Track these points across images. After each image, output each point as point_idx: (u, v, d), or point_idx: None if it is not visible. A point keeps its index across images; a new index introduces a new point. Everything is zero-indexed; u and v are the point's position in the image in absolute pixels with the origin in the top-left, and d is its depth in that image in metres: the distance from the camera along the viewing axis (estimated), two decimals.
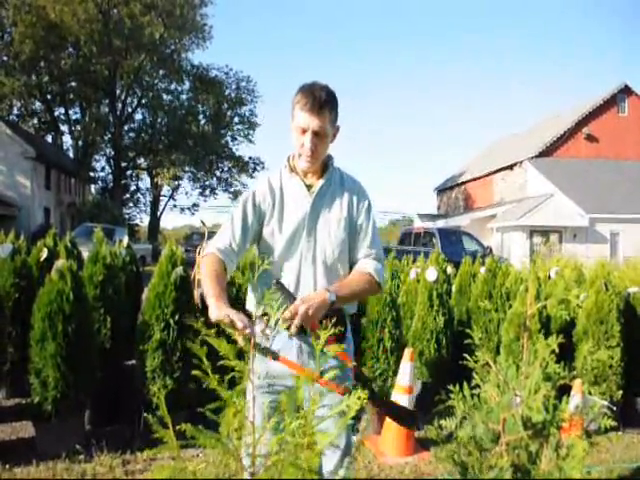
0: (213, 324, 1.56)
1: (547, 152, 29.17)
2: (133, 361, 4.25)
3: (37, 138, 33.97)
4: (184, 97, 40.11)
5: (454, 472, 1.39)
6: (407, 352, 3.94)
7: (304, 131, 1.93)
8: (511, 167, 30.83)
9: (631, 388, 4.58)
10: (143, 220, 44.42)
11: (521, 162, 29.65)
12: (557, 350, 1.35)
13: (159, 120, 39.43)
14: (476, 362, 1.48)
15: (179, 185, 43.98)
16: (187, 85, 40.02)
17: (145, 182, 44.47)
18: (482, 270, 5.70)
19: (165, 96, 39.74)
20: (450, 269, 6.73)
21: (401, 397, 3.85)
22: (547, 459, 1.29)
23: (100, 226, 6.05)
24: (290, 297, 1.79)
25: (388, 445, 3.86)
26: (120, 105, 37.62)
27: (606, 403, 4.23)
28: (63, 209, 31.37)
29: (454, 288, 5.94)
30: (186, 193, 56.08)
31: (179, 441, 1.13)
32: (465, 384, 1.45)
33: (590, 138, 29.74)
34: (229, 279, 2.60)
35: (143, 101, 39.29)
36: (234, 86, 40.23)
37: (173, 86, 39.89)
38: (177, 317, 3.75)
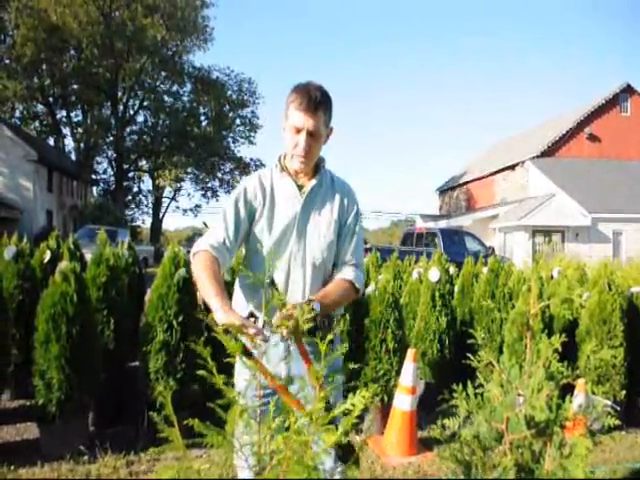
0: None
1: (549, 152, 29.13)
2: (136, 362, 4.26)
3: (39, 141, 34.03)
4: (186, 99, 40.23)
5: (457, 471, 1.40)
6: (410, 352, 3.94)
7: (298, 131, 1.90)
8: (513, 167, 30.80)
9: (634, 388, 4.57)
10: (145, 222, 44.56)
11: (523, 162, 29.62)
12: (560, 349, 1.35)
13: (161, 122, 39.51)
14: (479, 362, 1.48)
15: (181, 187, 44.08)
16: (189, 87, 40.13)
17: (147, 184, 44.63)
18: (484, 270, 5.70)
19: (167, 98, 39.85)
20: (452, 269, 6.73)
21: (404, 397, 3.86)
22: (550, 458, 1.30)
23: (103, 228, 6.06)
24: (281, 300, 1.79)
25: (391, 445, 3.86)
26: (122, 107, 37.71)
27: (609, 403, 4.22)
28: (65, 211, 31.42)
29: (456, 288, 5.94)
30: (188, 195, 56.21)
31: (184, 441, 1.14)
32: (469, 383, 1.46)
33: (592, 138, 29.70)
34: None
35: (145, 103, 39.38)
36: (235, 88, 40.31)
37: (175, 88, 40.04)
38: (180, 318, 3.76)
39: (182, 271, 3.88)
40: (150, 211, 43.42)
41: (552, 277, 6.44)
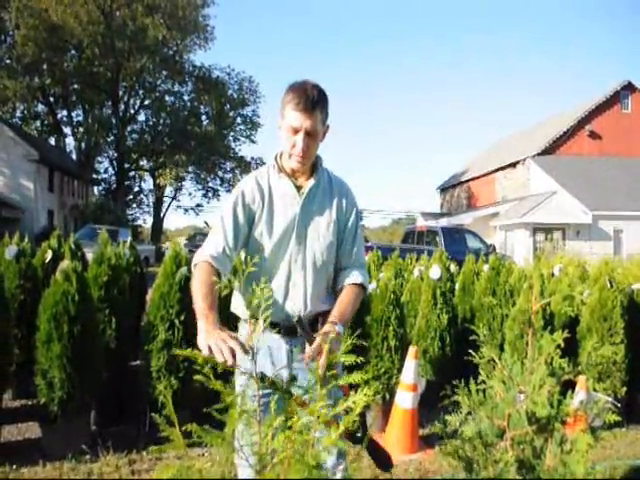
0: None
1: (550, 150, 29.11)
2: (138, 361, 4.27)
3: (40, 140, 34.07)
4: (187, 98, 40.23)
5: (459, 468, 1.40)
6: (411, 350, 3.94)
7: (296, 131, 1.87)
8: (514, 165, 30.79)
9: (635, 384, 4.57)
10: (146, 221, 44.58)
11: (524, 160, 29.60)
12: (562, 345, 1.36)
13: (162, 121, 39.51)
14: (481, 358, 1.48)
15: (182, 186, 44.09)
16: (189, 86, 40.09)
17: (148, 183, 44.62)
18: (485, 268, 5.70)
19: (168, 97, 39.86)
20: (453, 267, 6.73)
21: (406, 395, 3.86)
22: (551, 454, 1.30)
23: (104, 227, 6.06)
24: (308, 334, 1.80)
25: (392, 443, 3.86)
26: (123, 107, 37.72)
27: (610, 399, 4.22)
28: (66, 211, 31.44)
29: (458, 286, 5.94)
30: (189, 194, 56.18)
31: (185, 440, 1.14)
32: (471, 380, 1.46)
33: (593, 135, 29.67)
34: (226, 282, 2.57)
35: (146, 102, 39.40)
36: (236, 87, 40.29)
37: (176, 87, 40.00)
38: (182, 317, 3.76)
39: (184, 270, 3.89)
40: (151, 210, 43.48)
41: (553, 275, 6.44)
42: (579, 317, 4.85)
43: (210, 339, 1.46)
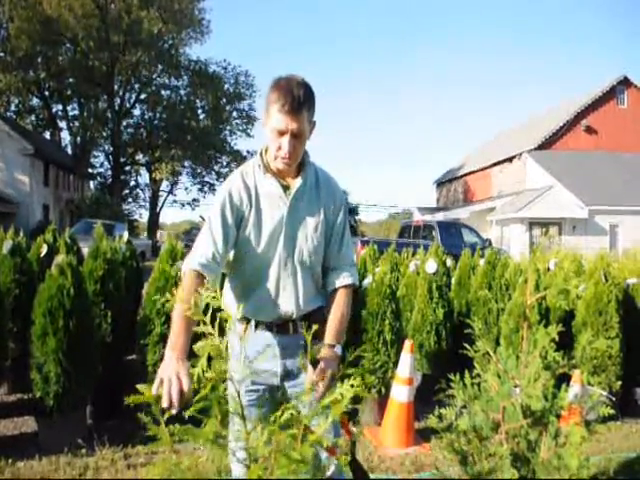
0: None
1: (546, 144, 29.13)
2: (134, 356, 4.26)
3: (35, 135, 33.88)
4: (182, 92, 40.03)
5: (454, 461, 1.40)
6: (407, 344, 3.95)
7: (282, 133, 1.80)
8: (510, 160, 30.81)
9: (630, 378, 4.60)
10: (142, 216, 44.44)
11: (520, 154, 29.63)
12: (557, 339, 1.36)
13: (157, 115, 39.37)
14: (476, 352, 1.49)
15: (178, 180, 43.95)
16: (185, 80, 39.92)
17: (144, 177, 44.46)
18: (481, 262, 5.72)
19: (163, 91, 39.71)
20: (449, 261, 6.74)
21: (401, 388, 3.87)
22: (546, 447, 1.31)
23: (100, 222, 6.04)
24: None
25: (388, 436, 3.87)
26: (118, 101, 37.52)
27: (605, 393, 4.24)
28: (62, 205, 31.34)
29: (453, 280, 5.95)
30: (186, 189, 56.04)
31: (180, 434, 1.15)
32: (466, 373, 1.46)
33: (589, 130, 29.70)
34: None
35: (141, 96, 39.22)
36: (232, 81, 40.14)
37: (172, 81, 39.84)
38: None
39: (180, 264, 3.88)
40: (147, 205, 43.38)
41: (549, 269, 6.45)
42: (574, 311, 4.86)
43: (165, 372, 1.47)
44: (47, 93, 36.21)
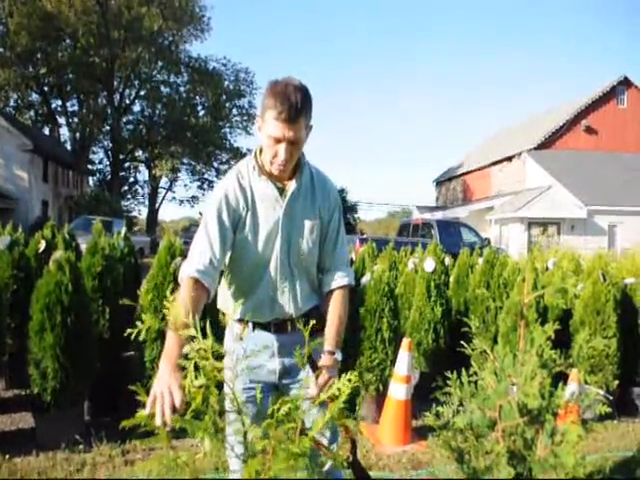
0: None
1: (546, 144, 29.13)
2: (132, 352, 4.26)
3: (34, 130, 33.79)
4: (182, 89, 39.98)
5: (451, 459, 1.41)
6: (405, 342, 3.95)
7: (278, 141, 1.76)
8: (510, 159, 30.82)
9: (626, 377, 4.61)
10: (141, 212, 44.42)
11: (520, 154, 29.63)
12: (554, 338, 1.36)
13: (157, 112, 39.34)
14: (473, 350, 1.49)
15: (177, 177, 43.94)
16: (185, 77, 39.89)
17: (143, 174, 44.47)
18: (480, 261, 5.72)
19: (163, 88, 39.67)
20: (448, 260, 6.74)
21: (399, 386, 3.88)
22: (542, 445, 1.31)
23: (98, 218, 6.04)
24: (314, 366, 1.81)
25: (386, 434, 3.88)
26: (118, 97, 37.50)
27: (602, 392, 4.25)
28: (61, 202, 31.28)
29: (452, 279, 5.96)
30: (185, 185, 55.99)
31: (178, 430, 1.15)
32: (463, 372, 1.46)
33: (589, 130, 29.70)
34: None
35: (141, 93, 39.21)
36: (232, 77, 40.12)
37: (171, 78, 39.79)
38: None
39: (178, 260, 3.88)
40: (146, 201, 43.35)
41: (547, 268, 6.46)
42: (572, 310, 4.87)
43: (158, 387, 1.45)
44: (46, 89, 36.14)
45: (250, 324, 1.93)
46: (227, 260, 1.93)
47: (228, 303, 1.98)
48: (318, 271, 2.02)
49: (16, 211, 24.45)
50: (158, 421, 1.36)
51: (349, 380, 1.17)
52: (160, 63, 38.33)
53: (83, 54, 33.98)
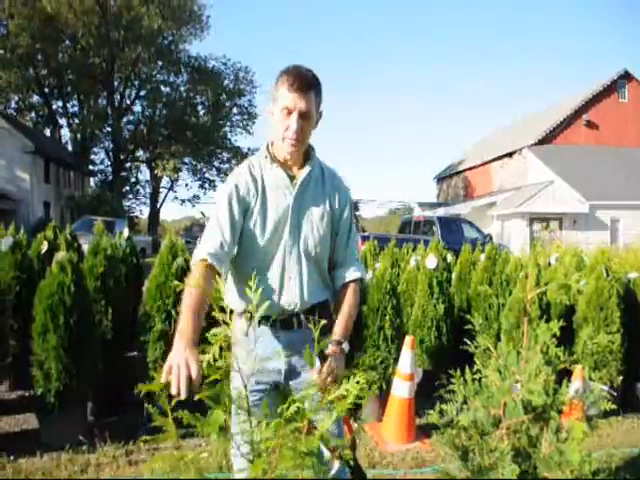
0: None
1: (547, 139, 29.05)
2: (135, 352, 4.27)
3: (35, 132, 33.83)
4: (182, 89, 40.02)
5: (455, 457, 1.40)
6: (408, 340, 3.94)
7: (289, 112, 1.84)
8: (511, 155, 30.75)
9: (631, 373, 4.59)
10: (143, 212, 44.43)
11: (521, 149, 29.56)
12: (558, 334, 1.35)
13: (157, 112, 39.33)
14: (477, 348, 1.48)
15: (178, 177, 43.96)
16: (185, 76, 39.90)
17: (144, 174, 44.45)
18: (482, 258, 5.70)
19: (163, 88, 39.71)
20: (450, 257, 6.73)
21: (402, 384, 3.87)
22: (547, 442, 1.30)
23: (100, 219, 6.04)
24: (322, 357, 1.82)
25: (389, 432, 3.87)
26: (118, 97, 37.54)
27: (606, 388, 4.24)
28: (63, 202, 31.31)
29: (454, 276, 5.94)
30: (186, 185, 55.99)
31: (181, 430, 1.14)
32: (467, 369, 1.46)
33: (590, 125, 29.61)
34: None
35: (141, 93, 39.25)
36: (232, 77, 40.12)
37: (171, 78, 39.82)
38: (178, 308, 3.75)
39: (180, 260, 3.88)
40: (148, 201, 43.37)
41: (550, 264, 6.44)
42: (575, 306, 4.85)
43: (174, 359, 1.48)
44: (47, 90, 36.18)
45: (255, 320, 1.92)
46: (236, 247, 1.94)
47: (234, 296, 1.97)
48: (330, 267, 2.04)
49: (18, 212, 24.50)
50: (173, 390, 1.37)
51: (357, 382, 1.17)
52: (160, 63, 38.34)
53: (83, 55, 34.03)
